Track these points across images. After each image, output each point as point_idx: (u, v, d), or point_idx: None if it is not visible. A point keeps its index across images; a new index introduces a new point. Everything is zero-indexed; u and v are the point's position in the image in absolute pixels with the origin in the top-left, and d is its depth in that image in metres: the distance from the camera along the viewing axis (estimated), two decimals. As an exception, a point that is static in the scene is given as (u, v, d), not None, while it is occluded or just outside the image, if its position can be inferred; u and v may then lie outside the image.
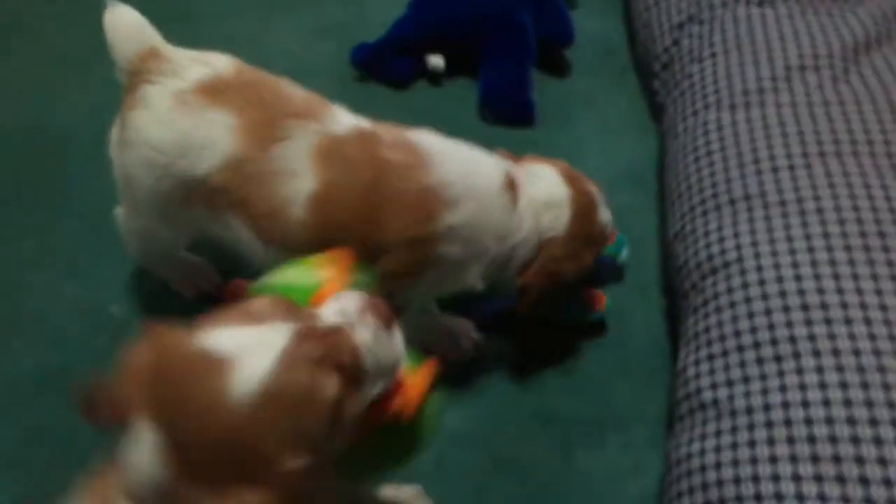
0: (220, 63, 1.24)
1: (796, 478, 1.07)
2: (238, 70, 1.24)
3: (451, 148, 1.27)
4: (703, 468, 1.15)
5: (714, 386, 1.23)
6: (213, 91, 1.20)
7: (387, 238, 1.20)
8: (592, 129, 1.89)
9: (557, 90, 1.98)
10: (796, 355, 1.18)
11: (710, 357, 1.26)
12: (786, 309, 1.23)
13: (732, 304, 1.28)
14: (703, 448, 1.18)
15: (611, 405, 1.42)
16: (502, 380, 1.45)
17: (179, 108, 1.19)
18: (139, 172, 1.24)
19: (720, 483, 1.12)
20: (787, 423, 1.12)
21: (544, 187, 1.31)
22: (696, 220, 1.44)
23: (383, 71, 1.92)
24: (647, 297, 1.57)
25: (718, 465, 1.14)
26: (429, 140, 1.26)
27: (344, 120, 1.24)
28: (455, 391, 1.42)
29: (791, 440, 1.10)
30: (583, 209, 1.32)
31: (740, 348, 1.23)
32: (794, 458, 1.09)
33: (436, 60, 1.92)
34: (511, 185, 1.27)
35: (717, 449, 1.16)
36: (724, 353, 1.25)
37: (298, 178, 1.18)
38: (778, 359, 1.19)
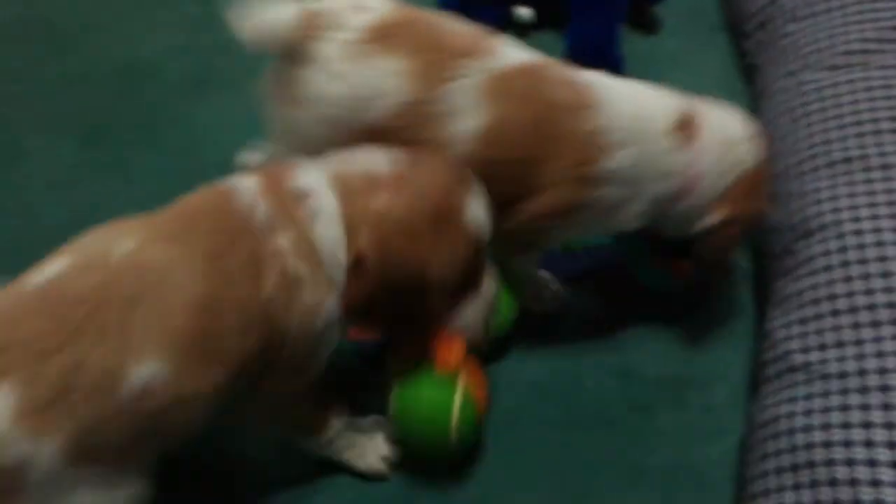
0: (379, 6, 1.23)
1: (891, 445, 1.04)
2: (398, 11, 1.24)
3: (620, 88, 1.27)
4: (791, 431, 1.13)
5: (805, 349, 1.20)
6: (380, 37, 1.20)
7: (544, 178, 1.21)
8: (681, 89, 1.84)
9: (646, 48, 1.94)
10: (894, 322, 1.15)
11: (802, 320, 1.23)
12: (885, 274, 1.19)
13: (828, 268, 1.25)
14: (792, 411, 1.15)
15: (692, 366, 1.40)
16: (583, 335, 1.44)
17: (350, 60, 1.19)
18: (312, 127, 1.24)
19: (809, 446, 1.10)
20: (884, 389, 1.09)
21: (734, 124, 1.31)
22: (791, 182, 1.40)
23: (470, 21, 1.89)
24: (733, 259, 1.53)
25: (808, 429, 1.11)
26: (599, 79, 1.26)
27: (512, 55, 1.24)
28: (536, 343, 1.42)
29: (887, 407, 1.07)
30: (763, 149, 1.32)
31: (835, 312, 1.20)
32: (889, 426, 1.06)
33: (524, 11, 1.90)
34: (686, 123, 1.26)
35: (808, 412, 1.13)
36: (818, 317, 1.21)
37: (467, 116, 1.18)
38: (875, 324, 1.15)
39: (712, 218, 1.29)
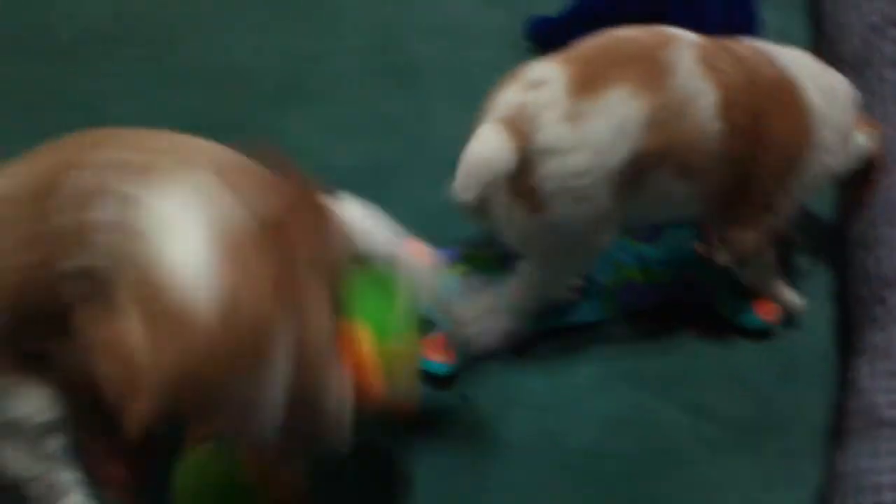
0: (549, 69, 1.21)
1: (983, 509, 1.02)
2: (566, 59, 1.22)
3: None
4: (878, 487, 1.10)
5: (893, 404, 1.18)
6: (580, 87, 1.17)
7: (771, 136, 1.25)
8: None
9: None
10: None
11: (891, 372, 1.21)
12: (982, 332, 1.17)
13: (920, 321, 1.23)
14: (878, 466, 1.13)
15: (770, 410, 1.38)
16: (661, 371, 1.43)
17: (574, 126, 1.16)
18: (582, 212, 1.22)
19: (896, 504, 1.08)
20: (977, 451, 1.07)
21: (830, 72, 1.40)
22: (881, 228, 1.38)
23: (562, 47, 1.89)
24: (816, 303, 1.51)
25: (895, 487, 1.09)
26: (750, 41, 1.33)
27: (688, 34, 1.26)
28: (612, 377, 1.42)
29: (980, 470, 1.05)
30: None
31: (926, 367, 1.18)
32: (982, 489, 1.03)
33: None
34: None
35: (894, 469, 1.11)
36: (908, 370, 1.19)
37: (701, 92, 1.21)
38: (969, 383, 1.13)
39: (865, 137, 1.39)
